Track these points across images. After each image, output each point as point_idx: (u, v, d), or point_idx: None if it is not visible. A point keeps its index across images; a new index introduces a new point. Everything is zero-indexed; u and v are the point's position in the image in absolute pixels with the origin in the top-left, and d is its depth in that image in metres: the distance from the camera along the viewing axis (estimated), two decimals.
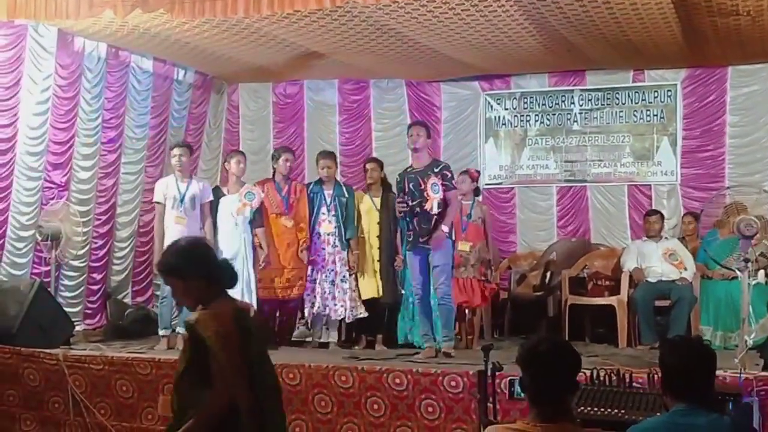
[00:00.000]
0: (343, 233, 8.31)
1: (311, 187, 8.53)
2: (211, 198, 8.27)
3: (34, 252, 8.65)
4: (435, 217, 7.47)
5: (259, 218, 8.28)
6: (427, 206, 7.46)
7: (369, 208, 8.47)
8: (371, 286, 8.37)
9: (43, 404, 7.36)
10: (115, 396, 7.18)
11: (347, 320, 8.39)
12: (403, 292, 8.37)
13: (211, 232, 8.17)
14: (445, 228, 7.47)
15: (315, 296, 8.26)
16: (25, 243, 8.54)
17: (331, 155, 8.64)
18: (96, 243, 9.33)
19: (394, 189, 8.04)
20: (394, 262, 8.35)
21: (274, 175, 8.55)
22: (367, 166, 8.66)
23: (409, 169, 7.79)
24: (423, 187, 7.49)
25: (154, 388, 7.07)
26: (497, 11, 7.52)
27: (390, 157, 10.55)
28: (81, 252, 8.98)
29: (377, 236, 8.41)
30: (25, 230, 8.53)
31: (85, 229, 8.94)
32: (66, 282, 8.97)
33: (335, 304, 8.23)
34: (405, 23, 7.95)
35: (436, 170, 7.56)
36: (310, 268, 8.33)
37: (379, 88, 10.99)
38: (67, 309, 8.49)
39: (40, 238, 8.54)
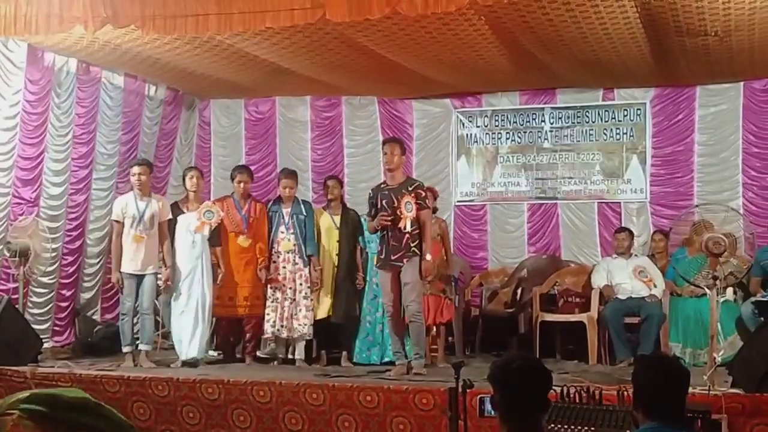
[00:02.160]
0: (303, 250, 8.30)
1: (270, 205, 8.54)
2: (170, 216, 8.24)
3: (2, 268, 8.57)
4: (407, 235, 7.47)
5: (216, 237, 8.27)
6: (401, 224, 7.46)
7: (329, 225, 8.48)
8: (326, 305, 8.37)
9: None
10: None
11: (306, 338, 8.35)
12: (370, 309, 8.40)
13: (170, 253, 8.17)
14: (428, 257, 7.49)
15: (276, 316, 8.23)
16: None
17: (293, 175, 8.60)
18: (66, 259, 9.27)
19: (366, 204, 8.01)
20: (356, 280, 8.35)
21: (233, 192, 8.56)
22: (328, 183, 8.67)
23: (382, 186, 7.78)
24: (396, 204, 7.48)
25: (122, 406, 6.99)
26: (468, 30, 7.57)
27: (362, 174, 10.60)
28: (50, 268, 8.92)
29: (337, 254, 8.41)
30: None
31: (54, 246, 8.89)
32: (34, 299, 8.90)
33: (294, 323, 8.21)
34: (377, 41, 7.97)
35: (410, 188, 7.55)
36: (269, 287, 8.31)
37: (351, 105, 11.00)
38: (35, 326, 8.40)
39: (7, 255, 8.47)
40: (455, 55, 8.44)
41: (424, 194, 7.63)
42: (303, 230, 8.33)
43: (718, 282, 6.60)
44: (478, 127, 10.69)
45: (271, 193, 10.57)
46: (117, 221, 8.15)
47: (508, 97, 10.57)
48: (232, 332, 8.73)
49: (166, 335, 9.23)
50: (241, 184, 8.48)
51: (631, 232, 9.24)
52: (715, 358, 6.41)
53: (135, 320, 8.43)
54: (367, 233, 8.42)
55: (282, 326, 8.22)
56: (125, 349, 8.09)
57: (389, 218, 7.48)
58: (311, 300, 8.31)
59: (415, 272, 7.48)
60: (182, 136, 11.09)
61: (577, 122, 10.33)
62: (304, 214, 8.39)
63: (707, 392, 5.73)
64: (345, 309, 8.34)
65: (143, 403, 6.96)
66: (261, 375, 7.21)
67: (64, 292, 9.28)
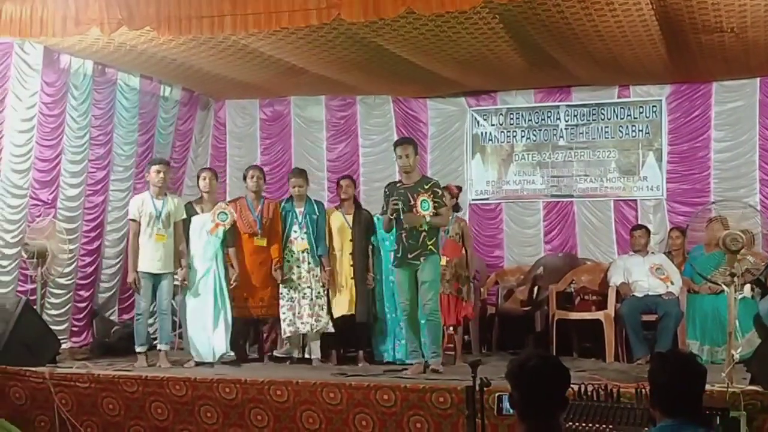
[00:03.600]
0: (315, 250, 8.31)
1: (283, 204, 8.53)
2: (185, 216, 8.28)
3: (20, 270, 8.62)
4: (423, 233, 7.46)
5: (230, 237, 8.30)
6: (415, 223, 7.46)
7: (341, 224, 8.46)
8: (344, 303, 8.37)
9: (29, 423, 7.30)
10: (101, 414, 7.15)
11: (328, 330, 8.34)
12: (387, 309, 8.41)
13: (186, 253, 8.21)
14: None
15: (292, 315, 8.23)
16: (10, 261, 8.51)
17: (302, 174, 8.57)
18: (84, 260, 9.32)
19: (381, 201, 7.99)
20: (366, 280, 8.37)
21: (246, 194, 8.60)
22: (342, 182, 8.65)
23: (398, 184, 7.77)
24: (413, 203, 7.47)
25: (140, 406, 7.05)
26: (483, 28, 7.56)
27: (377, 173, 10.61)
28: (68, 269, 8.97)
29: (350, 253, 8.41)
30: (11, 248, 8.51)
31: (72, 247, 8.94)
32: (52, 300, 8.95)
33: (310, 321, 8.21)
34: (392, 40, 7.97)
35: (426, 187, 7.55)
36: (283, 287, 8.31)
37: (365, 105, 11.01)
38: (53, 327, 8.44)
39: (25, 256, 8.52)
40: (470, 54, 8.43)
41: (440, 192, 7.62)
42: (315, 230, 8.33)
43: (735, 279, 6.57)
44: (492, 125, 10.67)
45: (286, 193, 10.57)
46: (134, 220, 8.16)
47: (522, 95, 10.54)
48: (245, 333, 8.74)
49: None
50: (254, 179, 8.47)
51: (647, 230, 9.22)
52: (733, 355, 6.38)
53: (152, 320, 8.47)
54: (380, 232, 8.41)
55: (302, 323, 8.20)
56: (139, 349, 8.10)
57: (397, 205, 7.44)
58: (324, 299, 8.31)
59: (432, 271, 7.48)
60: (197, 136, 11.13)
61: (593, 120, 10.29)
62: (317, 213, 8.39)
63: (726, 389, 5.72)
64: (365, 308, 8.35)
65: (161, 403, 7.00)
66: (278, 374, 7.22)
67: (81, 293, 9.33)
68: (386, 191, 7.79)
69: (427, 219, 7.42)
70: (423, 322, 7.58)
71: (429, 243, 7.47)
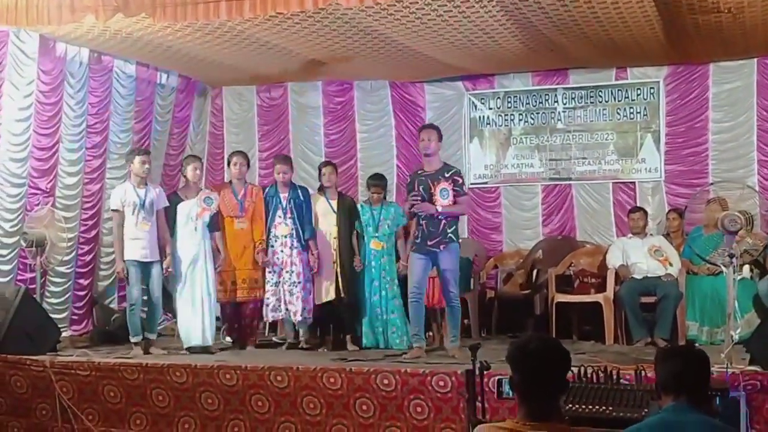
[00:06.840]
0: (301, 234, 8.33)
1: (267, 190, 8.58)
2: (167, 204, 8.27)
3: (19, 259, 8.62)
4: (443, 221, 7.47)
5: (215, 222, 8.33)
6: (432, 210, 7.46)
7: (326, 210, 8.50)
8: (329, 289, 8.41)
9: (30, 411, 7.34)
10: (102, 402, 7.16)
11: (306, 322, 8.40)
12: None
13: (169, 241, 8.21)
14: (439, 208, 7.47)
15: (276, 300, 8.30)
16: (9, 250, 8.51)
17: (287, 160, 8.68)
18: (82, 248, 9.31)
19: (400, 192, 8.03)
20: (353, 263, 8.38)
21: (230, 180, 8.65)
22: (323, 170, 8.65)
23: (420, 172, 7.76)
24: (433, 190, 7.49)
25: (141, 394, 7.06)
26: (479, 12, 7.54)
27: (374, 158, 10.61)
28: (67, 258, 8.97)
29: (335, 237, 8.44)
30: (10, 237, 8.50)
31: (70, 235, 8.94)
32: (52, 288, 8.96)
33: (296, 306, 8.25)
34: (388, 24, 7.95)
35: (446, 175, 7.54)
36: (268, 271, 8.36)
37: (362, 90, 10.99)
38: (53, 315, 8.45)
39: (24, 245, 8.51)
40: (467, 38, 8.41)
41: (461, 181, 7.62)
42: (301, 215, 8.37)
43: (734, 260, 6.58)
44: (490, 109, 10.66)
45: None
46: (117, 210, 8.13)
47: (520, 79, 10.53)
48: (239, 317, 8.74)
49: None
50: (237, 165, 8.51)
51: (645, 212, 9.22)
52: (732, 335, 6.40)
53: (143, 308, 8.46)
54: (364, 218, 8.46)
55: (287, 309, 8.29)
56: (133, 339, 8.09)
57: (418, 197, 7.47)
58: (310, 283, 8.35)
59: (453, 259, 7.52)
60: (194, 123, 11.12)
61: (591, 102, 10.28)
62: (302, 198, 8.44)
63: (725, 370, 5.73)
64: (353, 291, 8.38)
65: (162, 390, 7.01)
66: (278, 360, 7.23)
67: (81, 281, 9.33)
68: (408, 180, 7.85)
69: (439, 209, 7.43)
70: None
71: (449, 231, 7.49)
